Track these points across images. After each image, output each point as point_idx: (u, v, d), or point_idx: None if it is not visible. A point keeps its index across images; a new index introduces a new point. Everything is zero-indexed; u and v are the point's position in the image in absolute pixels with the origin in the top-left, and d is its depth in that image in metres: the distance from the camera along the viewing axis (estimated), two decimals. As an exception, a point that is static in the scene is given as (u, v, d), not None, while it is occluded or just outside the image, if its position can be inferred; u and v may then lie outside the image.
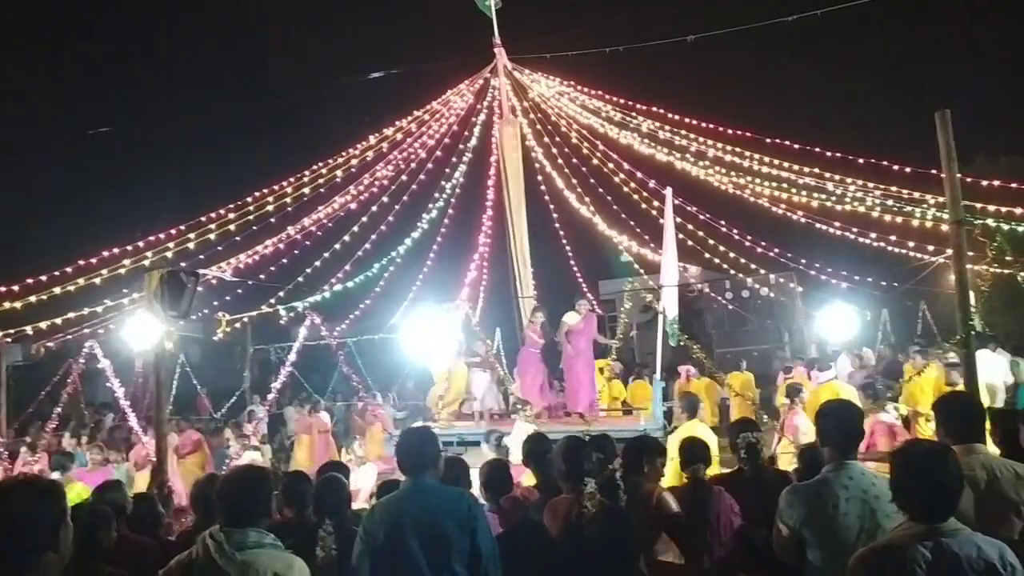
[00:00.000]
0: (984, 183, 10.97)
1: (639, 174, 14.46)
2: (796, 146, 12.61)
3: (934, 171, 8.19)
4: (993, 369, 12.03)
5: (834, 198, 12.99)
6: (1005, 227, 9.93)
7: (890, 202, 12.19)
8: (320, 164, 13.12)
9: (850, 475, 3.88)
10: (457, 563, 4.04)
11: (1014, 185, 11.05)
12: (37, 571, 2.46)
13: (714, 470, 6.31)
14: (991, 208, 10.79)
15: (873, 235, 13.92)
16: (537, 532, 4.66)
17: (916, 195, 11.79)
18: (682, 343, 11.54)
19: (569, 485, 4.72)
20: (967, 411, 4.06)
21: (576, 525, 4.52)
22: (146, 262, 10.52)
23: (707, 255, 15.54)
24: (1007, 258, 12.80)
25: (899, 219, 12.50)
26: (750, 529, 4.98)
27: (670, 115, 13.58)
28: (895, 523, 3.29)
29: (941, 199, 9.22)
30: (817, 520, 3.84)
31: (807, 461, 5.47)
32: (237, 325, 15.03)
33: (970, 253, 12.47)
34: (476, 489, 5.49)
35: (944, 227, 9.62)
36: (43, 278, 10.77)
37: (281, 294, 13.75)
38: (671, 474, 6.20)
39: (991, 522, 3.60)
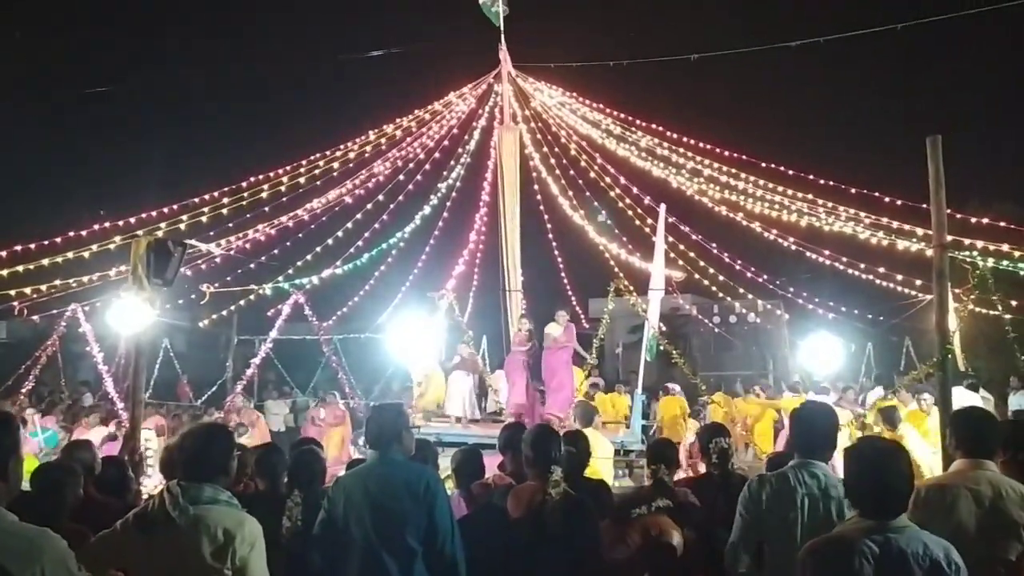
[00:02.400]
0: (973, 220, 11.09)
1: (635, 189, 14.56)
2: (790, 172, 12.74)
3: (924, 205, 8.28)
4: (970, 403, 12.05)
5: (825, 225, 13.08)
6: (990, 263, 10.03)
7: (880, 233, 12.27)
8: (318, 155, 13.16)
9: (812, 473, 3.91)
10: (412, 538, 4.02)
11: (1002, 224, 11.17)
12: None
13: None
14: (979, 244, 10.89)
15: (862, 266, 14.01)
16: (498, 516, 4.62)
17: (906, 227, 11.88)
18: (662, 347, 11.63)
19: (534, 472, 4.69)
20: (980, 427, 4.01)
21: (537, 512, 4.50)
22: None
23: (696, 276, 15.61)
24: (993, 298, 12.88)
25: (888, 250, 12.59)
26: (712, 531, 4.98)
27: (669, 132, 13.70)
28: (848, 522, 3.33)
29: (931, 232, 9.29)
30: (772, 511, 3.87)
31: (774, 468, 5.51)
32: (223, 313, 14.99)
33: (955, 290, 12.59)
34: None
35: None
36: (32, 246, 10.74)
37: (268, 285, 13.72)
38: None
39: (992, 540, 3.63)
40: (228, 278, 13.85)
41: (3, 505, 2.50)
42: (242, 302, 14.31)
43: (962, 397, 11.31)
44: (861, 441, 3.66)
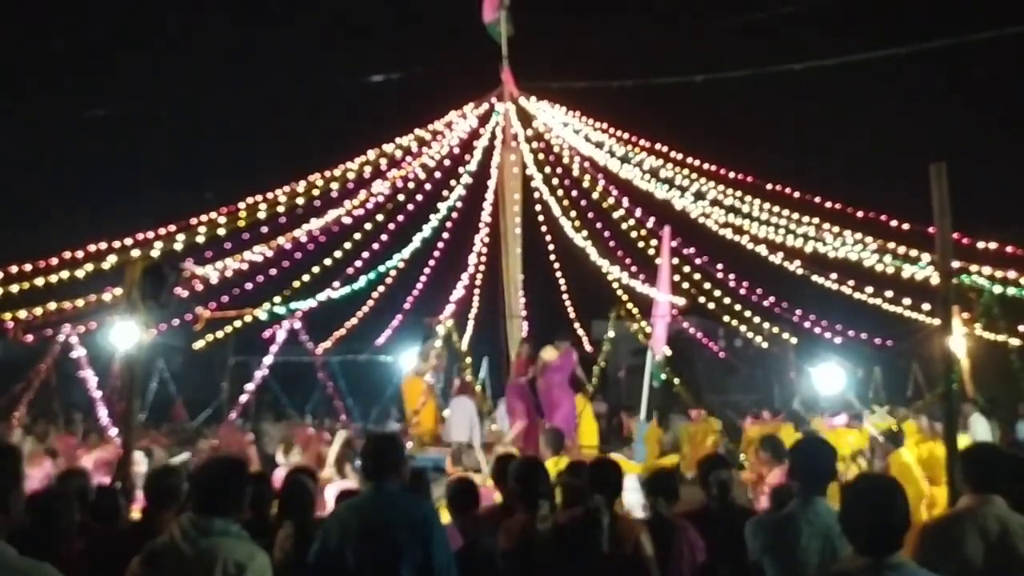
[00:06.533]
0: (980, 245, 10.95)
1: (638, 211, 14.46)
2: (796, 194, 12.64)
3: (931, 229, 8.17)
4: (980, 432, 11.91)
5: (832, 249, 12.97)
6: (997, 290, 9.88)
7: (888, 258, 12.15)
8: (317, 174, 13.10)
9: (816, 511, 3.90)
10: (408, 571, 3.96)
11: (1010, 249, 11.03)
12: None
13: None
14: (986, 270, 10.76)
15: (869, 290, 13.85)
16: (486, 552, 4.56)
17: (914, 253, 11.75)
18: (664, 375, 11.50)
19: (522, 506, 4.65)
20: (989, 462, 3.99)
21: (526, 548, 4.44)
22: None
23: (701, 299, 15.47)
24: (999, 323, 12.72)
25: (894, 275, 12.46)
26: (712, 567, 4.84)
27: (673, 154, 13.61)
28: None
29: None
30: (777, 551, 3.86)
31: (778, 501, 5.41)
32: (219, 334, 14.86)
33: (965, 314, 12.42)
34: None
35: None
36: (28, 267, 10.66)
37: (264, 308, 13.60)
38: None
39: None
40: (224, 299, 13.77)
41: (3, 538, 2.52)
42: (237, 323, 14.21)
43: (977, 424, 11.19)
44: (859, 478, 3.68)
